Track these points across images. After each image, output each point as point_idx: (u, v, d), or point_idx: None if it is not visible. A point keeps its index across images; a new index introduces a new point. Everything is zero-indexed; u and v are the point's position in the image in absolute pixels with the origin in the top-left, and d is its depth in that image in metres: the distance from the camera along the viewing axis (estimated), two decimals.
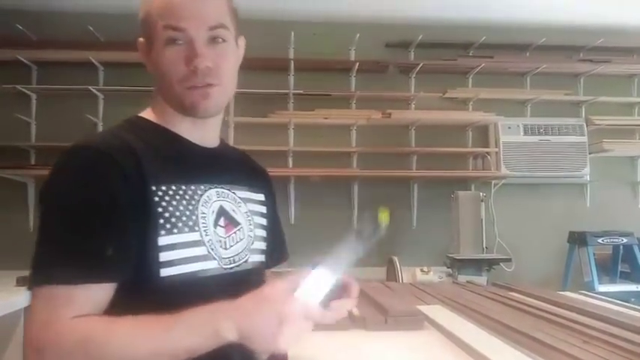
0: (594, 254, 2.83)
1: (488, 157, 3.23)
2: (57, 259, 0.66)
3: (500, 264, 2.96)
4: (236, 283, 0.76)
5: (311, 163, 3.13)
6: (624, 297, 2.37)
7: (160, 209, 0.70)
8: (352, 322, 1.46)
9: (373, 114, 3.15)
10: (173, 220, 0.71)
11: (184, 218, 0.72)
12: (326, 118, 3.12)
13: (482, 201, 2.95)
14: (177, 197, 0.72)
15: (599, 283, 2.76)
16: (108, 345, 0.62)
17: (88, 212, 0.66)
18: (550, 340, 1.27)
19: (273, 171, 2.87)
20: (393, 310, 1.47)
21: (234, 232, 0.79)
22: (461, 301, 1.79)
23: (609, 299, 1.95)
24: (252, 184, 0.88)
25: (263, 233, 0.89)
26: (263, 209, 0.91)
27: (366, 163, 3.22)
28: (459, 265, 2.77)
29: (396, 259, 2.84)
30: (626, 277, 2.90)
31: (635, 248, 2.82)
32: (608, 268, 2.98)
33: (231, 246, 0.78)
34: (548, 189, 3.41)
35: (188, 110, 0.78)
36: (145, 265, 0.70)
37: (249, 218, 0.84)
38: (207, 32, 0.75)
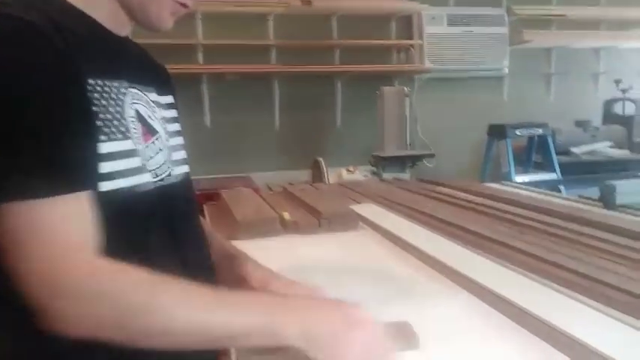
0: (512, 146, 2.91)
1: (412, 50, 3.11)
2: (33, 167, 0.51)
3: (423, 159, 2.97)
4: (166, 200, 0.66)
5: (225, 59, 2.84)
6: (538, 186, 2.46)
7: (95, 108, 0.57)
8: (284, 227, 1.34)
9: (292, 1, 2.86)
10: (108, 123, 0.59)
11: (116, 122, 0.59)
12: (239, 6, 2.78)
13: (406, 96, 2.87)
14: (106, 95, 0.59)
15: (515, 174, 2.86)
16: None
17: (48, 105, 0.52)
18: (488, 232, 1.25)
19: (180, 68, 2.63)
20: (327, 212, 1.38)
21: (153, 142, 0.66)
22: (392, 198, 1.75)
23: (532, 188, 2.01)
24: (158, 85, 0.74)
25: (180, 140, 0.76)
26: (174, 113, 0.77)
27: (286, 58, 2.99)
28: (383, 163, 2.73)
29: (321, 160, 2.74)
30: (538, 167, 3.03)
31: (549, 139, 2.92)
32: (522, 159, 3.09)
33: (151, 157, 0.65)
34: (468, 83, 3.41)
35: (146, 19, 0.66)
36: None
37: (164, 126, 0.71)
38: None
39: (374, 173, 2.78)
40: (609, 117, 3.41)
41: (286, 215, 1.41)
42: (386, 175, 2.66)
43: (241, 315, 0.53)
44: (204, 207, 1.77)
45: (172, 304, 0.51)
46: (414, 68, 3.13)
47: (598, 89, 3.66)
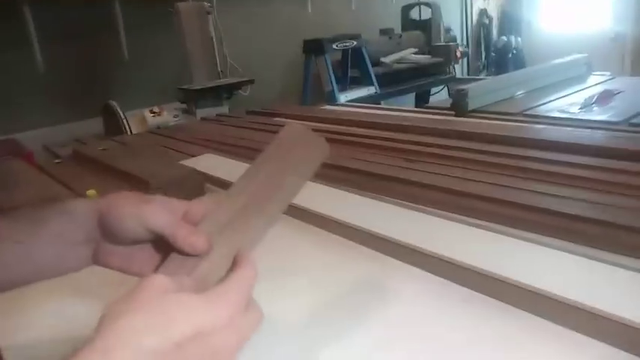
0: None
1: None
2: None
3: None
4: None
5: None
6: (361, 102, 2.33)
7: None
8: None
9: None
10: None
11: None
12: None
13: (209, 14, 2.38)
14: None
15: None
16: None
17: None
18: (372, 167, 1.00)
19: None
20: (156, 178, 0.95)
21: None
22: (229, 141, 1.39)
23: (375, 106, 1.83)
24: None
25: None
26: None
27: None
28: (196, 97, 2.26)
29: (114, 103, 2.14)
30: (356, 82, 2.89)
31: (364, 51, 2.78)
32: (338, 76, 2.91)
33: None
34: None
35: None
36: None
37: None
38: None
39: (185, 111, 2.30)
40: (408, 23, 3.44)
41: (92, 194, 0.93)
42: (201, 112, 2.22)
43: None
44: None
45: None
46: None
47: None
